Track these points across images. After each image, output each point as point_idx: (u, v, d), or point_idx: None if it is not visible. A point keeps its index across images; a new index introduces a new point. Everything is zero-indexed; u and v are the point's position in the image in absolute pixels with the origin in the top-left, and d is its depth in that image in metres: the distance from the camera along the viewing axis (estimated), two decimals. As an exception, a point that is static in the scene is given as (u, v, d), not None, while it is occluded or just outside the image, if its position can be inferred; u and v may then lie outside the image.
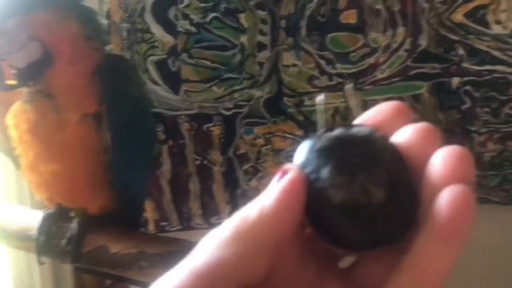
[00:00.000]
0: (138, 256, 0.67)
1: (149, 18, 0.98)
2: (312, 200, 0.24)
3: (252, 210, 0.24)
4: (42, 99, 0.63)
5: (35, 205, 0.85)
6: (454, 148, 0.22)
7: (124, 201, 0.72)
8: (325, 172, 0.23)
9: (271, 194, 0.24)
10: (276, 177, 0.24)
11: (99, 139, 0.64)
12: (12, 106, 0.65)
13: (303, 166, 0.24)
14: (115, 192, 0.70)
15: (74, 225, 0.70)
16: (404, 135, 0.24)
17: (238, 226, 0.23)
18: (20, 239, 0.72)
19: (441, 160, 0.22)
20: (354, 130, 0.25)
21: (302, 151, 0.25)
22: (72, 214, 0.73)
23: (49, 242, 0.71)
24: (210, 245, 0.23)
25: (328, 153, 0.24)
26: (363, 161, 0.23)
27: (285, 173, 0.24)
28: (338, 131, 0.25)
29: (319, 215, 0.24)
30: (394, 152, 0.24)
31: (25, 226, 0.72)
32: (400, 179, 0.23)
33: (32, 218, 0.73)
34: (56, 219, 0.72)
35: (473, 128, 1.10)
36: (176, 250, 0.65)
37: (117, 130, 0.64)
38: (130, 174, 0.70)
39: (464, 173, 0.22)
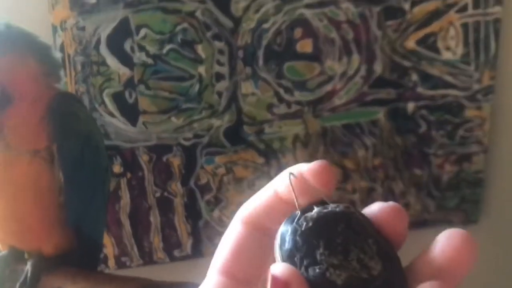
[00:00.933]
0: (95, 297, 0.64)
1: (104, 51, 0.96)
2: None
3: None
4: None
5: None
6: (460, 231, 0.23)
7: (80, 240, 0.70)
8: (319, 255, 0.23)
9: None
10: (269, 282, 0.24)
11: (51, 177, 0.63)
12: None
13: (292, 253, 0.24)
14: (70, 231, 0.68)
15: (27, 267, 0.67)
16: (372, 211, 0.25)
17: None
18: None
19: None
20: (331, 207, 0.25)
21: (287, 237, 0.25)
22: (26, 256, 0.70)
23: (3, 286, 0.68)
24: None
25: (315, 235, 0.24)
26: (351, 237, 0.24)
27: (277, 279, 0.23)
28: (316, 211, 0.25)
29: None
30: (372, 225, 0.25)
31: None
32: (388, 249, 0.24)
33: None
34: (8, 262, 0.69)
35: (430, 151, 1.12)
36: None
37: (68, 168, 0.63)
38: (85, 212, 0.68)
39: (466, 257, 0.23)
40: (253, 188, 1.10)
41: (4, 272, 0.68)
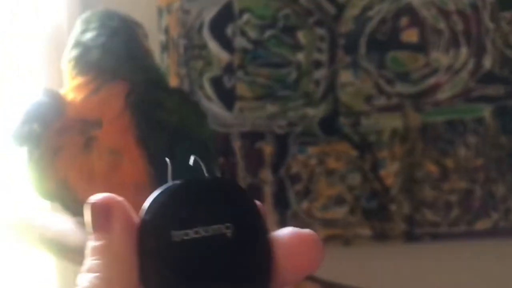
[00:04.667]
0: None
1: (206, 34, 0.97)
2: None
3: None
4: (94, 144, 0.62)
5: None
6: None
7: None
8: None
9: None
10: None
11: (145, 173, 0.61)
12: (61, 154, 0.64)
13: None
14: None
15: None
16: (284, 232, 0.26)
17: None
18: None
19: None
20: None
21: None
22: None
23: None
24: None
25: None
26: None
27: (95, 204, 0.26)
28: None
29: None
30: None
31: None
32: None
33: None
34: None
35: (538, 154, 1.04)
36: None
37: (156, 163, 0.61)
38: None
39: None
40: (345, 181, 1.07)
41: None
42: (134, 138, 0.60)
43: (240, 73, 1.00)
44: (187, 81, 0.99)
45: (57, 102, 0.63)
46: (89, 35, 0.62)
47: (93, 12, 0.66)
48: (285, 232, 0.26)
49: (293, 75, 1.01)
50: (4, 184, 1.00)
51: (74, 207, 0.68)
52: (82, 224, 0.78)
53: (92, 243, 0.25)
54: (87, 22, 0.64)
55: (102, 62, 0.60)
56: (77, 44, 0.63)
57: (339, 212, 1.08)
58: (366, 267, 1.09)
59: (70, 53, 0.64)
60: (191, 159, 0.28)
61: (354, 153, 1.04)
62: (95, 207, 0.25)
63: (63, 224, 0.78)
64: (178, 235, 0.25)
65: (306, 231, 0.26)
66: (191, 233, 0.25)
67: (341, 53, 0.99)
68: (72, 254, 0.75)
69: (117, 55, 0.62)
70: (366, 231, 1.07)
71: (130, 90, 0.61)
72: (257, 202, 0.27)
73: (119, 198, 0.26)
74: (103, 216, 0.25)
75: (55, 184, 0.65)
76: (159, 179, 0.61)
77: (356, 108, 1.01)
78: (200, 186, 0.27)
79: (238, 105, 1.02)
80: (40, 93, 0.65)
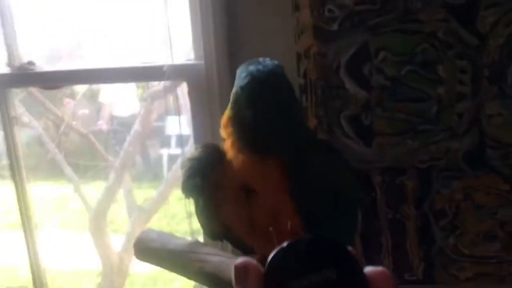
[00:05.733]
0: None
1: (343, 75, 0.99)
2: None
3: None
4: (254, 200, 0.67)
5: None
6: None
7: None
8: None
9: None
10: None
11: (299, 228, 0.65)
12: (225, 207, 0.70)
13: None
14: None
15: None
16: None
17: None
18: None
19: None
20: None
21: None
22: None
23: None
24: None
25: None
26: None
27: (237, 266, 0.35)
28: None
29: None
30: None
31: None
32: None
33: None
34: None
35: None
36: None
37: (312, 222, 0.64)
38: None
39: None
40: (495, 217, 1.01)
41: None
42: (289, 197, 0.64)
43: (378, 110, 1.00)
44: (325, 121, 1.02)
45: (214, 156, 0.69)
46: (251, 103, 0.64)
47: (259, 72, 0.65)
48: (368, 270, 0.34)
49: (434, 108, 0.98)
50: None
51: (239, 247, 0.76)
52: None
53: None
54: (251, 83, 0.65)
55: (263, 140, 0.63)
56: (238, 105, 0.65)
57: (491, 249, 1.02)
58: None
59: (233, 107, 0.66)
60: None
61: (505, 187, 0.99)
62: (236, 267, 0.34)
63: (221, 258, 0.85)
64: (295, 284, 0.32)
65: (383, 268, 0.34)
66: (305, 282, 0.32)
67: (486, 84, 0.95)
68: (228, 287, 0.81)
69: (277, 132, 0.64)
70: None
71: (285, 165, 0.64)
72: (350, 248, 0.34)
73: (254, 262, 0.34)
74: (243, 274, 0.34)
75: (221, 229, 0.73)
76: (307, 232, 0.64)
77: (506, 140, 0.96)
78: (303, 244, 0.34)
79: (377, 141, 1.02)
80: (198, 148, 0.73)
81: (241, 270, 0.34)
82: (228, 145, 0.67)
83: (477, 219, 1.02)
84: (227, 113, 0.67)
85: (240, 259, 0.35)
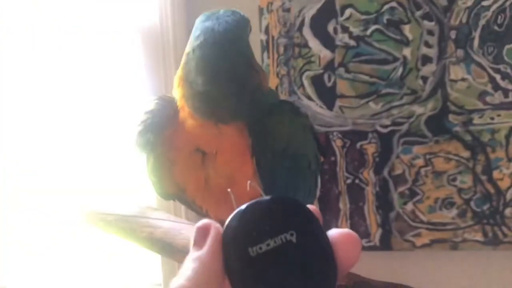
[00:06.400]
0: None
1: (307, 33, 0.94)
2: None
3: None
4: (210, 161, 0.64)
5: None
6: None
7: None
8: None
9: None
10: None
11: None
12: (178, 167, 0.66)
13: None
14: None
15: None
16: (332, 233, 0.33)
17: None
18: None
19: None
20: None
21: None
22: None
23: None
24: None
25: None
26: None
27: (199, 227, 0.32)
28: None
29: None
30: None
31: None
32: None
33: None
34: None
35: None
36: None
37: (267, 178, 0.62)
38: None
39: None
40: (454, 184, 1.00)
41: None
42: (249, 160, 0.60)
43: (341, 71, 0.96)
44: (286, 81, 0.97)
45: (169, 111, 0.64)
46: (200, 54, 0.59)
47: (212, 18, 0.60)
48: (333, 232, 0.32)
49: (399, 71, 0.95)
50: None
51: (191, 207, 0.73)
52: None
53: (189, 255, 0.32)
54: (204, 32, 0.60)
55: (215, 108, 0.60)
56: (190, 61, 0.61)
57: (447, 216, 1.02)
58: (475, 273, 1.02)
59: (184, 67, 0.61)
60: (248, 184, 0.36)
61: (465, 153, 0.97)
62: (198, 228, 0.32)
63: (172, 224, 0.81)
64: (253, 250, 0.31)
65: (349, 230, 0.32)
66: (263, 246, 0.31)
67: (451, 47, 0.92)
68: (178, 254, 0.77)
69: (231, 99, 0.60)
70: (476, 236, 1.00)
71: (244, 129, 0.62)
72: (312, 207, 0.32)
73: (217, 225, 0.32)
74: (202, 236, 0.32)
75: (173, 188, 0.68)
76: (266, 193, 0.61)
77: (468, 106, 0.94)
78: (262, 206, 0.32)
79: (338, 103, 0.99)
80: (153, 100, 0.67)
81: (201, 232, 0.32)
82: (180, 106, 0.62)
83: (437, 185, 1.01)
84: (179, 73, 0.62)
85: (203, 221, 0.33)
